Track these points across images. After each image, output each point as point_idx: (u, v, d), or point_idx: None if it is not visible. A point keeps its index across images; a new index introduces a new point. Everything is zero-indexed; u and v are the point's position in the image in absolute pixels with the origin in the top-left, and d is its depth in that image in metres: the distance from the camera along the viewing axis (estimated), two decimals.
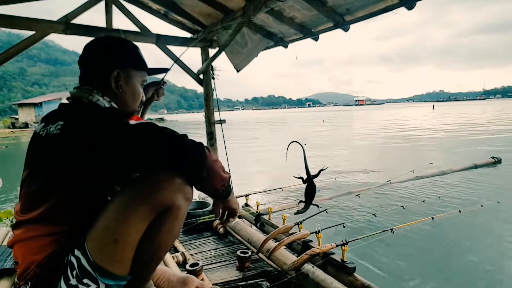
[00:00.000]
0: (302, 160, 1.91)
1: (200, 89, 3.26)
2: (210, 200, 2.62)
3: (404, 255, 3.00)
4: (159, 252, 0.94)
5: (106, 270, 0.83)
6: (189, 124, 39.51)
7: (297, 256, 1.56)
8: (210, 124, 3.27)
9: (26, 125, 34.39)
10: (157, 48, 2.86)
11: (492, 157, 6.80)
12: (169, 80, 1.38)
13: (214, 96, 3.24)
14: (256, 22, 2.79)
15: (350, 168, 7.34)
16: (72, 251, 0.84)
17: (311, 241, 1.75)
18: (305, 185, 1.89)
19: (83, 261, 0.82)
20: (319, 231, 1.66)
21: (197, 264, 1.51)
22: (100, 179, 0.90)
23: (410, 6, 2.01)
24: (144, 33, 2.75)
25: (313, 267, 1.47)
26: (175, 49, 2.93)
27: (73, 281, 0.82)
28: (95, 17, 2.68)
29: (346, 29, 2.52)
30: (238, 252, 1.66)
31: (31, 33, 2.30)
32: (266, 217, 2.26)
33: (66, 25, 2.39)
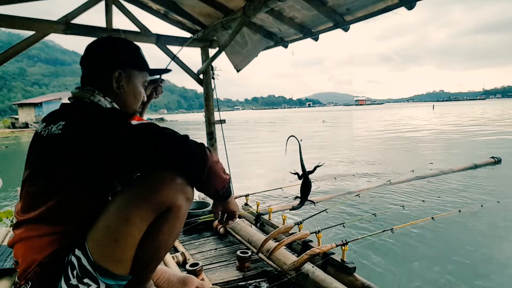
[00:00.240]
0: (304, 156, 1.91)
1: (200, 89, 3.26)
2: (210, 200, 2.62)
3: (404, 255, 3.00)
4: (160, 252, 0.94)
5: (106, 269, 0.83)
6: (189, 124, 39.51)
7: (297, 256, 1.56)
8: (210, 124, 3.27)
9: (26, 125, 34.39)
10: (157, 48, 2.86)
11: (492, 157, 6.79)
12: (169, 80, 1.38)
13: (214, 96, 3.24)
14: (256, 22, 2.80)
15: (350, 168, 7.34)
16: (72, 250, 0.84)
17: (311, 241, 1.75)
18: (300, 181, 1.89)
19: (84, 261, 0.82)
20: (319, 231, 1.66)
21: (197, 264, 1.51)
22: (101, 179, 0.90)
23: (410, 6, 2.01)
24: (144, 33, 2.75)
25: (313, 267, 1.47)
26: (175, 49, 2.94)
27: (74, 281, 0.82)
28: (95, 17, 2.68)
29: (346, 29, 2.52)
30: (238, 252, 1.66)
31: (31, 33, 2.30)
32: (266, 217, 2.26)
33: (66, 25, 2.40)
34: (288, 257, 1.60)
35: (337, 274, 1.45)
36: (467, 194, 4.78)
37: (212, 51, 3.15)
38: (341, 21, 2.45)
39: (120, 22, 3.14)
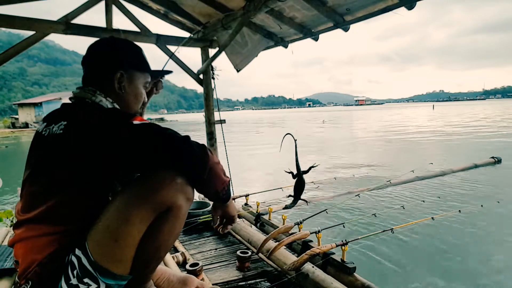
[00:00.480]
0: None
1: (200, 89, 3.26)
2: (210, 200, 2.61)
3: (404, 255, 3.00)
4: (160, 252, 0.94)
5: (106, 269, 0.83)
6: (189, 124, 39.51)
7: (297, 256, 1.55)
8: (210, 124, 3.27)
9: (26, 125, 34.40)
10: (157, 48, 2.86)
11: (492, 157, 6.80)
12: (169, 80, 1.38)
13: (214, 96, 3.24)
14: (256, 22, 2.80)
15: (350, 168, 7.34)
16: (73, 250, 0.84)
17: (311, 241, 1.74)
18: (294, 180, 1.90)
19: (84, 261, 0.82)
20: (319, 231, 1.66)
21: (197, 264, 1.51)
22: (102, 179, 0.90)
23: (410, 6, 2.02)
24: (144, 33, 2.75)
25: (313, 267, 1.47)
26: (175, 50, 2.93)
27: (74, 281, 0.82)
28: (95, 17, 2.68)
29: (346, 29, 2.52)
30: (238, 252, 1.66)
31: (31, 33, 2.30)
32: (266, 217, 2.26)
33: (66, 25, 2.40)
34: (288, 257, 1.60)
35: (337, 274, 1.45)
36: (467, 194, 4.78)
37: (212, 51, 3.15)
38: (341, 21, 2.45)
39: (120, 22, 3.14)
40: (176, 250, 1.87)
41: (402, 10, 2.07)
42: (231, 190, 1.02)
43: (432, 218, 2.11)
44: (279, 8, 2.48)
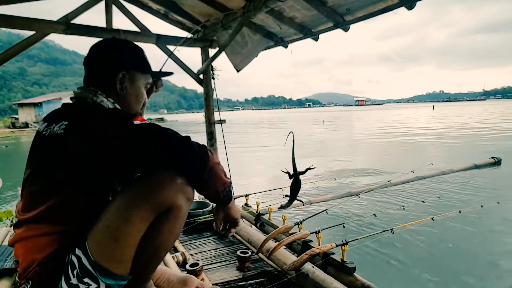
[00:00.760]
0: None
1: (200, 89, 3.26)
2: None
3: (404, 255, 3.00)
4: (160, 252, 0.94)
5: (106, 269, 0.83)
6: (189, 124, 39.52)
7: (297, 256, 1.55)
8: (210, 124, 3.27)
9: (26, 125, 34.40)
10: (157, 48, 2.86)
11: (492, 157, 6.80)
12: (169, 80, 1.39)
13: (214, 96, 3.24)
14: (256, 22, 2.80)
15: (350, 168, 7.34)
16: (73, 250, 0.84)
17: (311, 241, 1.74)
18: (291, 180, 1.91)
19: (84, 260, 0.82)
20: (319, 231, 1.66)
21: (197, 264, 1.51)
22: (102, 178, 0.91)
23: (410, 6, 2.02)
24: (144, 33, 2.75)
25: (313, 267, 1.47)
26: (174, 49, 2.93)
27: (74, 280, 0.82)
28: (95, 17, 2.68)
29: (346, 29, 2.52)
30: (238, 252, 1.66)
31: (31, 33, 2.30)
32: (266, 217, 2.26)
33: (66, 25, 2.40)
34: (288, 257, 1.60)
35: (337, 274, 1.45)
36: (467, 194, 4.78)
37: (212, 51, 3.15)
38: (341, 21, 2.45)
39: (120, 22, 3.14)
40: (176, 250, 1.87)
41: (402, 10, 2.08)
42: (232, 192, 1.01)
43: (432, 218, 2.11)
44: (279, 8, 2.48)
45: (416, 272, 2.77)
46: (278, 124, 32.10)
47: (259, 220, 2.27)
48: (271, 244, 1.71)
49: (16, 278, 0.99)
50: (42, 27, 2.32)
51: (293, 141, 1.95)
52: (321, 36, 2.76)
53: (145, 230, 0.86)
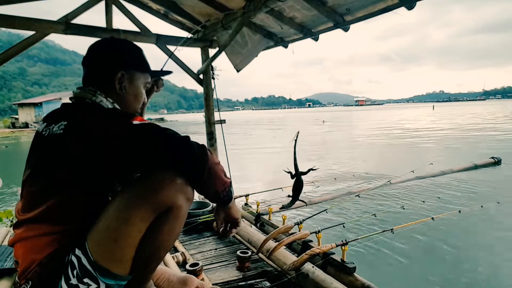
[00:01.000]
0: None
1: (200, 89, 3.26)
2: None
3: (404, 255, 3.00)
4: (160, 252, 0.94)
5: (106, 269, 0.83)
6: (189, 124, 39.51)
7: (297, 256, 1.55)
8: (210, 124, 3.27)
9: (26, 125, 34.39)
10: (157, 48, 2.86)
11: (492, 157, 6.80)
12: (169, 80, 1.38)
13: (214, 96, 3.24)
14: (256, 22, 2.80)
15: (350, 168, 7.34)
16: (73, 250, 0.84)
17: (311, 241, 1.75)
18: (293, 180, 1.91)
19: (84, 261, 0.82)
20: (319, 231, 1.66)
21: (197, 264, 1.51)
22: (102, 178, 0.90)
23: (410, 6, 2.02)
24: (144, 33, 2.75)
25: (313, 267, 1.47)
26: (174, 49, 2.93)
27: (74, 281, 0.82)
28: (95, 17, 2.68)
29: (346, 29, 2.52)
30: (238, 252, 1.66)
31: (31, 33, 2.30)
32: (266, 217, 2.26)
33: (66, 25, 2.40)
34: (288, 257, 1.60)
35: (337, 274, 1.45)
36: (467, 194, 4.78)
37: (212, 51, 3.15)
38: (341, 21, 2.45)
39: (120, 22, 3.14)
40: (176, 250, 1.87)
41: (402, 10, 2.08)
42: (232, 192, 1.01)
43: (432, 218, 2.12)
44: (279, 8, 2.48)
45: (416, 272, 2.77)
46: (279, 124, 32.10)
47: (259, 220, 2.27)
48: (271, 244, 1.71)
49: (16, 278, 0.99)
50: (42, 27, 2.32)
51: (295, 141, 1.95)
52: (321, 36, 2.76)
53: (145, 230, 0.86)
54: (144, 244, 0.87)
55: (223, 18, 2.65)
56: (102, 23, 2.57)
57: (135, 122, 0.87)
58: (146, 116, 1.39)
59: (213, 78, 3.14)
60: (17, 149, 16.66)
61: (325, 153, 10.14)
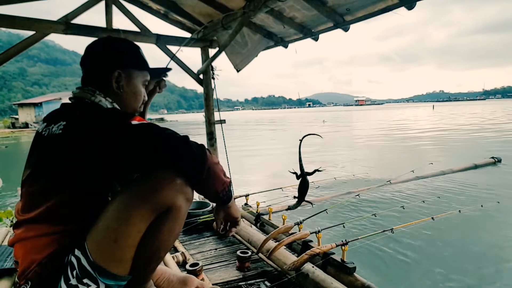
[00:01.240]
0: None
1: (200, 89, 3.26)
2: None
3: (404, 255, 3.00)
4: (160, 252, 0.94)
5: (106, 270, 0.83)
6: (189, 124, 39.50)
7: (297, 256, 1.56)
8: (210, 124, 3.27)
9: (26, 125, 34.39)
10: (157, 48, 2.86)
11: (492, 157, 6.80)
12: (169, 80, 1.38)
13: (214, 96, 3.24)
14: (256, 22, 2.80)
15: (350, 168, 7.34)
16: (72, 251, 0.84)
17: (311, 241, 1.75)
18: (298, 181, 1.91)
19: (83, 261, 0.82)
20: (319, 231, 1.66)
21: (197, 264, 1.51)
22: (102, 179, 0.90)
23: (410, 6, 2.02)
24: (144, 33, 2.75)
25: (313, 267, 1.47)
26: (175, 49, 2.93)
27: (73, 281, 0.82)
28: (95, 17, 2.68)
29: (346, 29, 2.52)
30: (238, 252, 1.66)
31: (31, 33, 2.30)
32: (266, 217, 2.26)
33: (66, 25, 2.40)
34: (288, 257, 1.60)
35: (337, 274, 1.45)
36: (467, 194, 4.78)
37: (212, 51, 3.15)
38: (341, 21, 2.45)
39: (120, 22, 3.14)
40: (176, 250, 1.87)
41: (402, 10, 2.07)
42: (232, 191, 1.01)
43: (432, 218, 2.12)
44: (279, 8, 2.48)
45: (416, 272, 2.77)
46: (279, 124, 32.07)
47: (259, 220, 2.27)
48: (271, 244, 1.71)
49: (16, 278, 0.99)
50: (42, 27, 2.32)
51: (300, 141, 1.96)
52: (321, 36, 2.76)
53: (144, 230, 0.86)
54: (144, 244, 0.87)
55: (223, 18, 2.64)
56: (102, 23, 2.57)
57: (134, 122, 0.87)
58: (146, 116, 1.39)
59: (213, 78, 3.14)
60: (17, 149, 16.66)
61: (325, 153, 10.14)
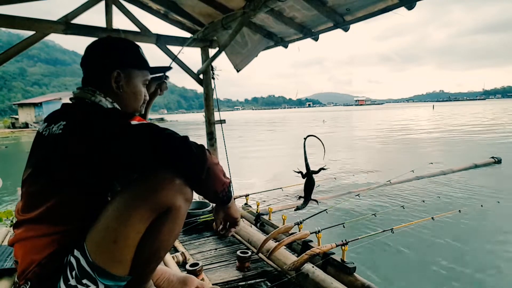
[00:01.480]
0: (309, 159, 1.93)
1: (200, 89, 3.26)
2: None
3: (404, 255, 3.00)
4: (159, 252, 0.94)
5: (105, 270, 0.83)
6: (189, 124, 39.50)
7: (297, 256, 1.56)
8: (210, 124, 3.27)
9: (26, 125, 34.38)
10: (158, 48, 2.86)
11: (492, 157, 6.80)
12: (169, 80, 1.38)
13: (214, 96, 3.24)
14: (256, 22, 2.80)
15: (350, 168, 7.34)
16: (71, 251, 0.84)
17: (311, 241, 1.75)
18: (304, 180, 1.90)
19: (82, 262, 0.82)
20: (319, 231, 1.66)
21: (197, 264, 1.51)
22: (102, 179, 0.90)
23: (410, 6, 2.02)
24: (144, 33, 2.75)
25: (313, 267, 1.47)
26: (175, 49, 2.93)
27: (72, 282, 0.82)
28: (95, 17, 2.68)
29: (346, 29, 2.52)
30: (238, 252, 1.66)
31: (31, 33, 2.30)
32: (266, 217, 2.26)
33: (66, 25, 2.40)
34: (288, 257, 1.60)
35: (337, 274, 1.45)
36: (467, 194, 4.78)
37: (212, 51, 3.15)
38: (341, 21, 2.45)
39: (120, 22, 3.14)
40: (176, 250, 1.87)
41: (402, 10, 2.07)
42: (232, 192, 1.00)
43: (432, 218, 2.12)
44: (279, 8, 2.48)
45: (416, 272, 2.77)
46: (279, 124, 32.07)
47: (259, 220, 2.27)
48: (271, 244, 1.71)
49: (15, 278, 1.00)
50: (42, 27, 2.32)
51: (305, 140, 1.95)
52: (321, 36, 2.76)
53: (144, 230, 0.86)
54: (144, 245, 0.87)
55: (223, 18, 2.64)
56: (102, 23, 2.57)
57: (133, 122, 0.86)
58: (147, 117, 1.38)
59: (213, 78, 3.14)
60: (17, 149, 16.65)
61: (325, 152, 10.12)
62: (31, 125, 33.79)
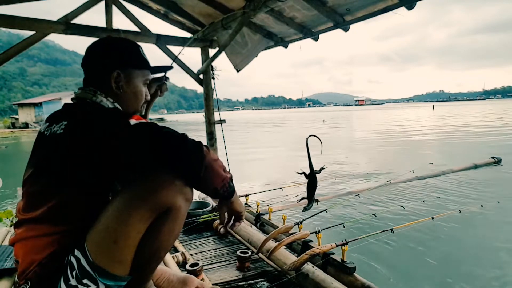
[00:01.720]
0: (314, 159, 1.92)
1: (200, 89, 3.26)
2: (210, 200, 2.62)
3: (404, 255, 3.00)
4: (159, 252, 0.94)
5: (105, 270, 0.83)
6: (189, 124, 39.50)
7: (297, 256, 1.56)
8: (210, 124, 3.27)
9: (26, 125, 34.38)
10: (158, 48, 2.86)
11: (492, 157, 6.79)
12: (169, 80, 1.38)
13: (214, 96, 3.24)
14: (256, 22, 2.80)
15: (350, 168, 7.34)
16: (72, 251, 0.85)
17: (311, 241, 1.75)
18: (307, 180, 1.90)
19: (83, 262, 0.82)
20: (319, 231, 1.66)
21: (197, 264, 1.51)
22: (102, 179, 0.90)
23: (410, 6, 2.02)
24: (144, 33, 2.75)
25: (313, 267, 1.47)
26: (175, 49, 2.94)
27: (73, 282, 0.82)
28: (95, 17, 2.68)
29: (346, 29, 2.52)
30: (238, 252, 1.66)
31: (31, 33, 2.30)
32: (266, 217, 2.26)
33: (66, 25, 2.40)
34: (288, 257, 1.60)
35: (337, 274, 1.46)
36: (467, 194, 4.78)
37: (212, 51, 3.15)
38: (341, 21, 2.45)
39: (120, 22, 3.14)
40: (176, 250, 1.87)
41: (402, 10, 2.07)
42: (233, 186, 0.99)
43: (432, 218, 2.12)
44: (279, 8, 2.48)
45: (416, 272, 2.77)
46: (279, 124, 32.07)
47: (259, 220, 2.28)
48: (271, 244, 1.71)
49: (16, 278, 1.00)
50: (42, 27, 2.32)
51: (307, 139, 1.95)
52: (321, 36, 2.76)
53: (144, 231, 0.86)
54: (144, 245, 0.87)
55: (223, 18, 2.64)
56: (102, 23, 2.57)
57: (132, 121, 0.87)
58: (148, 117, 1.38)
59: (213, 78, 3.14)
60: (17, 149, 16.65)
61: (325, 152, 10.12)
62: (31, 125, 33.79)
